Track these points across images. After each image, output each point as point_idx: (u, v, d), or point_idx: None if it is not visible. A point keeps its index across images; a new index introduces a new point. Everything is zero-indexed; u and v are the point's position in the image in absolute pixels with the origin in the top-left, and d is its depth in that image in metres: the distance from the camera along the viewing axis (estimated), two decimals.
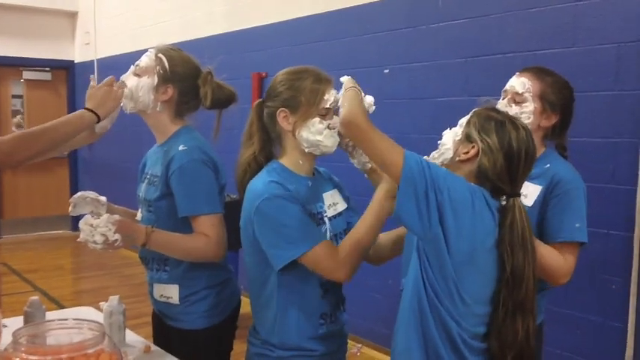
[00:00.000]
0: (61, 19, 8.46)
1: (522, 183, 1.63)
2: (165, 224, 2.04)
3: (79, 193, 2.06)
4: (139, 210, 2.18)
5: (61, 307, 5.03)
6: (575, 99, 2.15)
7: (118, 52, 7.29)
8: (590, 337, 3.13)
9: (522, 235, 1.56)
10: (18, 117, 8.40)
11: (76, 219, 1.98)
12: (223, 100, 2.12)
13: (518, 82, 2.08)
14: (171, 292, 2.10)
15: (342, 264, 1.71)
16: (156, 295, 2.16)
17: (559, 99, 2.08)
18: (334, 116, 1.79)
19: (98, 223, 1.84)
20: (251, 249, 1.79)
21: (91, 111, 2.00)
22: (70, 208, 2.05)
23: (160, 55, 2.09)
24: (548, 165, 2.03)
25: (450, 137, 1.69)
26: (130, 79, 2.09)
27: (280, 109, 1.78)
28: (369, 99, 1.80)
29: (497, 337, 1.58)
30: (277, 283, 1.76)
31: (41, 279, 6.19)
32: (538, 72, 2.11)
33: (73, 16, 8.50)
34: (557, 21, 3.22)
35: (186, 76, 2.10)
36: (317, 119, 1.77)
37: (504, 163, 1.57)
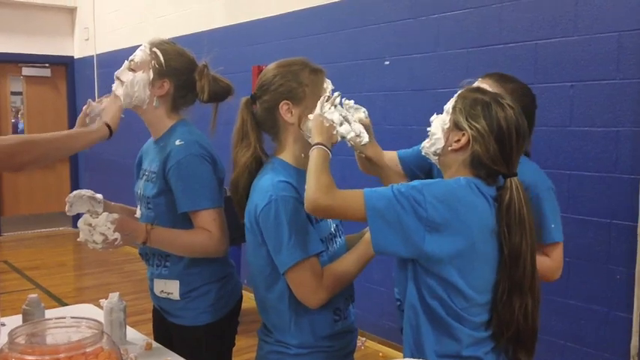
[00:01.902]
0: (59, 14, 8.43)
1: (517, 162, 1.61)
2: (164, 220, 2.02)
3: (74, 192, 2.04)
4: (138, 207, 2.16)
5: (63, 304, 5.03)
6: (538, 106, 2.14)
7: (117, 48, 7.26)
8: (595, 328, 3.12)
9: (519, 214, 1.54)
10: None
11: (76, 216, 1.96)
12: (220, 94, 2.09)
13: None
14: (171, 288, 2.07)
15: (325, 287, 1.69)
16: (156, 291, 2.13)
17: (519, 106, 2.06)
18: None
19: (97, 222, 1.82)
20: (256, 251, 1.74)
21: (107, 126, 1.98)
22: (66, 208, 2.02)
23: (155, 49, 2.06)
24: None
25: (439, 125, 1.66)
26: (124, 75, 2.05)
27: (283, 101, 1.75)
28: (355, 130, 1.74)
29: (497, 317, 1.57)
30: (288, 287, 1.71)
31: (42, 276, 6.19)
32: (499, 78, 2.09)
33: (71, 11, 8.48)
34: (558, 10, 3.20)
35: (182, 70, 2.07)
36: None
37: (496, 146, 1.55)
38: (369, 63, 4.25)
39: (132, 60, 2.06)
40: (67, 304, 4.78)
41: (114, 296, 2.09)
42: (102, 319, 2.02)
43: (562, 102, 3.19)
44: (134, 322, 2.32)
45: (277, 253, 1.67)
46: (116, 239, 1.84)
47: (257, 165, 1.79)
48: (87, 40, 8.13)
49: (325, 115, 1.68)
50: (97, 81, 7.79)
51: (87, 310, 2.40)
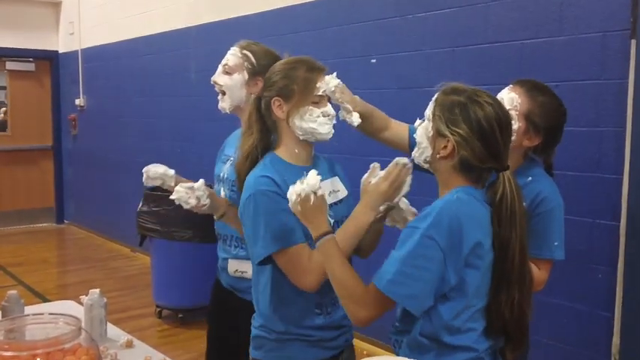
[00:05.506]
0: (44, 8, 8.35)
1: (507, 153, 1.59)
2: None
3: (151, 165, 2.23)
4: (222, 190, 2.30)
5: (46, 301, 4.98)
6: (567, 121, 2.08)
7: (102, 42, 7.20)
8: (578, 326, 3.14)
9: (511, 207, 1.54)
10: (2, 109, 8.33)
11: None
12: None
13: (508, 98, 1.99)
14: (246, 267, 2.18)
15: (311, 270, 1.73)
16: (230, 271, 2.28)
17: (545, 122, 2.00)
18: (328, 104, 1.86)
19: (198, 186, 2.06)
20: (247, 240, 1.83)
21: None
22: (144, 177, 2.22)
23: (245, 51, 2.28)
24: (530, 179, 1.98)
25: (423, 134, 1.65)
26: (220, 78, 2.26)
27: (275, 97, 1.83)
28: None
29: (487, 312, 1.56)
30: (271, 275, 1.82)
31: (25, 272, 6.13)
32: (531, 89, 2.02)
33: (56, 5, 8.40)
34: (543, 10, 3.21)
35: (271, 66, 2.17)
36: (310, 107, 1.82)
37: (482, 146, 1.54)
38: (355, 61, 4.25)
39: (225, 64, 2.28)
40: (49, 301, 4.74)
41: (94, 293, 2.09)
42: (83, 315, 2.01)
43: None
44: (116, 319, 2.31)
45: (252, 245, 1.77)
46: (205, 205, 2.08)
47: (255, 156, 1.88)
48: (72, 34, 8.05)
49: (305, 195, 1.63)
50: (81, 76, 7.72)
51: (68, 306, 2.39)
